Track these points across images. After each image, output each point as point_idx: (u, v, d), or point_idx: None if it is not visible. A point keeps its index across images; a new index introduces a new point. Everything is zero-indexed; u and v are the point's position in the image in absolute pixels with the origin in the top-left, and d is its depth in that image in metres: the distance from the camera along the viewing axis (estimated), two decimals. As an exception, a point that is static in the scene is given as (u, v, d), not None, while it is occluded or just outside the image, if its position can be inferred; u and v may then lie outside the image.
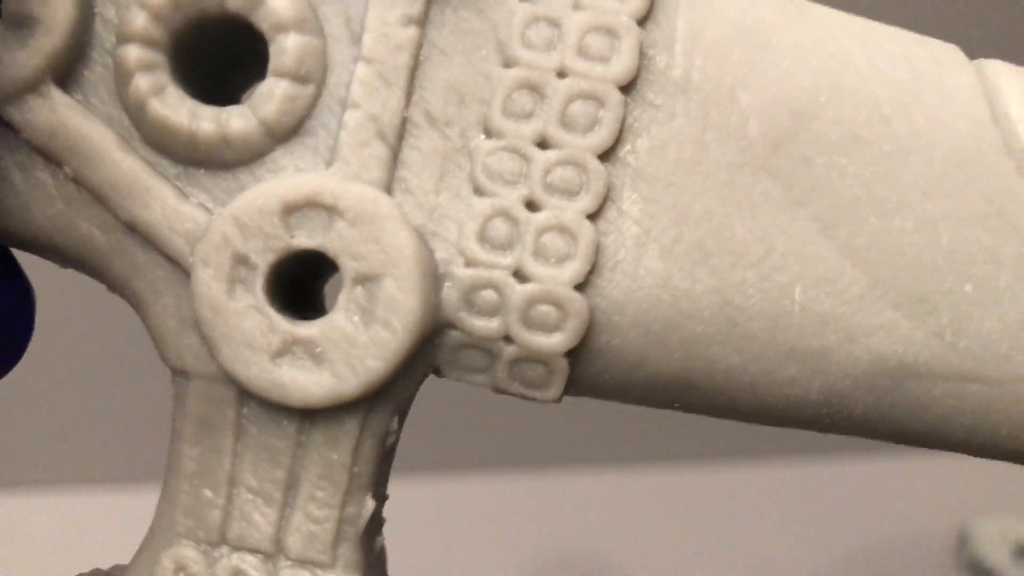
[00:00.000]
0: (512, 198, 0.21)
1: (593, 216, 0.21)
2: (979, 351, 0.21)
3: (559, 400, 0.22)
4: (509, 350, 0.21)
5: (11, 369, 0.23)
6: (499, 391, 0.22)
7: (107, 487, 0.57)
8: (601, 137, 0.21)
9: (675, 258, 0.21)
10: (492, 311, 0.21)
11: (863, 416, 0.21)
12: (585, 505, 0.60)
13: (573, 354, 0.21)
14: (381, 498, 0.22)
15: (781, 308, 0.21)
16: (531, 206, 0.21)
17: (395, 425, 0.21)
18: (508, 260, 0.20)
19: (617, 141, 0.21)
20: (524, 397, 0.22)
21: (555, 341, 0.21)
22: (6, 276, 0.22)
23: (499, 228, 0.21)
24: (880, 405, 0.21)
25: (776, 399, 0.21)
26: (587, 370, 0.21)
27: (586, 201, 0.21)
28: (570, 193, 0.21)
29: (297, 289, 0.21)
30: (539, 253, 0.20)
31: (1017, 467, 0.58)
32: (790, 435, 0.63)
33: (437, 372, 0.22)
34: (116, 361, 0.58)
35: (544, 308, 0.20)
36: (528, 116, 0.21)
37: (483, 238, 0.20)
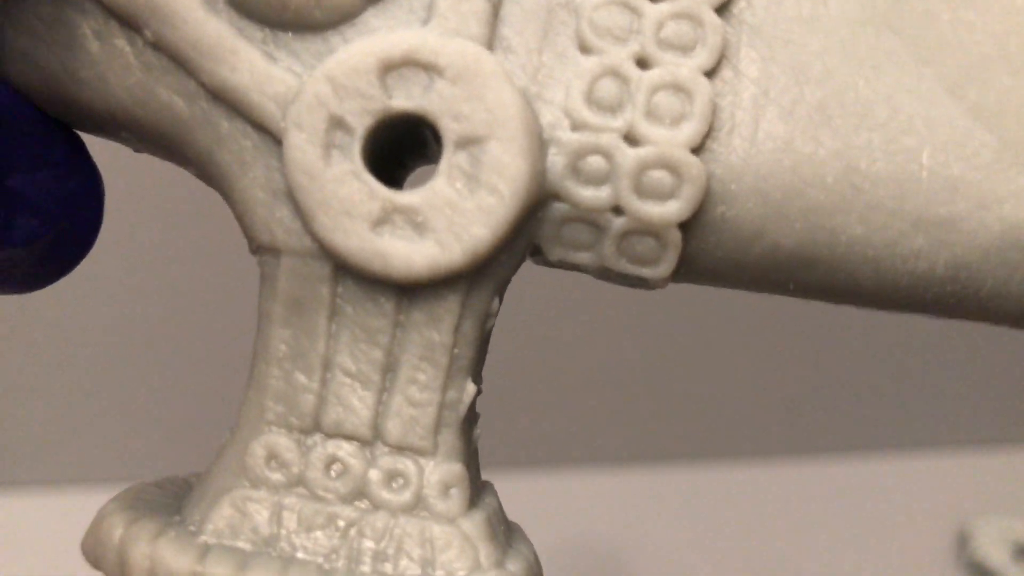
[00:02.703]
0: (622, 55, 0.19)
1: (709, 74, 0.19)
2: None
3: (668, 281, 0.20)
4: (618, 222, 0.19)
5: (79, 261, 0.22)
6: (604, 272, 0.20)
7: (107, 487, 0.56)
8: None
9: (796, 120, 0.19)
10: (601, 179, 0.19)
11: (991, 294, 0.20)
12: (589, 504, 0.60)
13: (687, 226, 0.20)
14: (479, 387, 0.21)
15: (908, 173, 0.19)
16: (642, 63, 0.19)
17: (496, 306, 0.20)
18: (618, 122, 0.19)
19: None
20: (630, 279, 0.20)
21: (670, 210, 0.19)
22: (76, 158, 0.21)
23: (608, 88, 0.19)
24: (1010, 281, 0.20)
25: (900, 275, 0.20)
26: (700, 245, 0.20)
27: (702, 57, 0.19)
28: (684, 49, 0.19)
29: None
30: (652, 113, 0.19)
31: (1017, 467, 0.57)
32: (790, 435, 0.63)
33: (537, 252, 0.20)
34: (117, 361, 0.58)
35: (658, 173, 0.19)
36: None
37: (591, 99, 0.19)
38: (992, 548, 0.57)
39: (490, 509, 0.21)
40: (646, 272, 0.20)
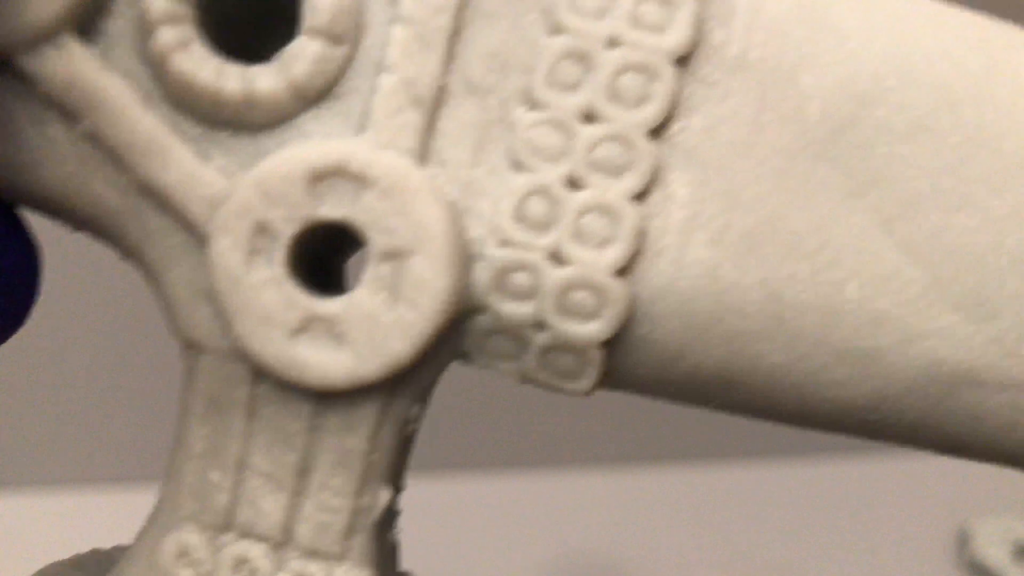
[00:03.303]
0: (552, 175, 0.19)
1: (638, 197, 0.19)
2: None
3: (590, 393, 0.20)
4: (541, 338, 0.19)
5: (11, 335, 0.21)
6: (527, 380, 0.20)
7: (107, 487, 0.57)
8: (651, 113, 0.19)
9: (723, 247, 0.19)
10: (525, 295, 0.19)
11: (913, 424, 0.20)
12: (589, 505, 0.60)
13: (609, 344, 0.20)
14: (398, 489, 0.21)
15: (833, 305, 0.19)
16: (572, 184, 0.19)
17: (416, 412, 0.20)
18: (545, 241, 0.19)
19: (668, 118, 0.19)
20: (554, 388, 0.20)
21: (591, 330, 0.19)
22: (10, 234, 0.21)
23: (537, 207, 0.19)
24: (932, 413, 0.20)
25: (822, 402, 0.20)
26: (623, 362, 0.20)
27: (631, 181, 0.19)
28: (615, 172, 0.19)
29: (318, 265, 0.20)
30: (578, 235, 0.19)
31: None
32: (790, 435, 0.63)
33: (464, 357, 0.20)
34: (117, 361, 0.58)
35: (581, 294, 0.19)
36: (574, 87, 0.19)
37: (520, 217, 0.19)
38: (992, 548, 0.57)
39: None
40: (568, 385, 0.20)
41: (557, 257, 0.19)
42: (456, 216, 0.19)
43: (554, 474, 0.60)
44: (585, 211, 0.19)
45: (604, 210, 0.19)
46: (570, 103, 0.19)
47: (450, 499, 0.57)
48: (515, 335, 0.20)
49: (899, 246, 0.19)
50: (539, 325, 0.19)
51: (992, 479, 0.61)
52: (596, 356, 0.20)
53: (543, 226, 0.19)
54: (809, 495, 0.61)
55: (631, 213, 0.19)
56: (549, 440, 0.61)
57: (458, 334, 0.20)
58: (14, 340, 0.53)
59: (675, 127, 0.19)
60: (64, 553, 0.22)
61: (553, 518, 0.58)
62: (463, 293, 0.19)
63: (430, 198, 0.19)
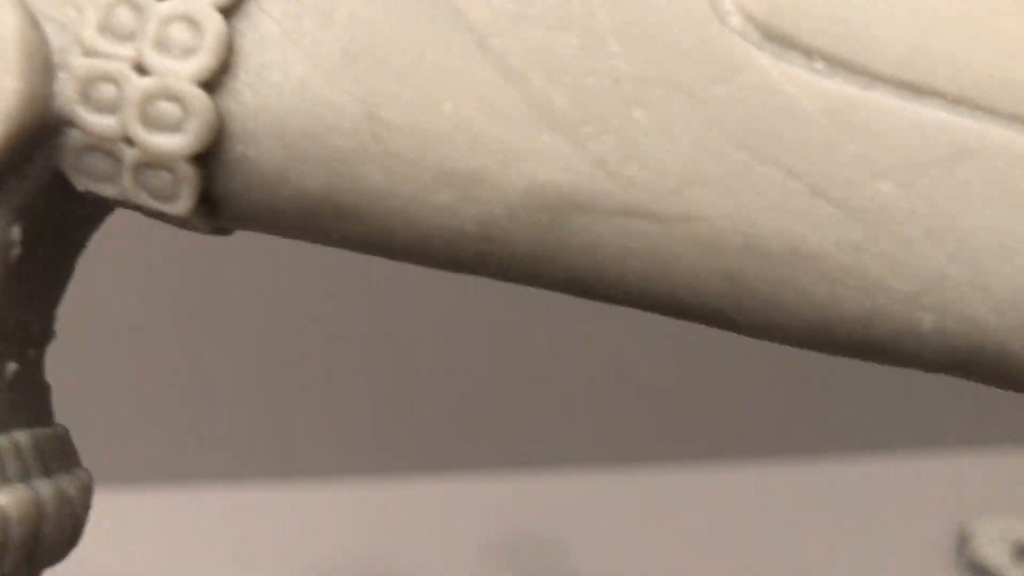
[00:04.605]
0: None
1: (228, 11, 0.19)
2: (647, 183, 0.19)
3: (191, 218, 0.20)
4: (131, 153, 0.19)
5: None
6: (129, 205, 0.20)
7: (107, 487, 0.58)
8: None
9: (317, 63, 0.19)
10: (110, 107, 0.19)
11: (528, 256, 0.20)
12: (582, 506, 0.60)
13: (205, 164, 0.19)
14: (8, 321, 0.21)
15: (430, 125, 0.19)
16: None
17: (15, 235, 0.20)
18: (129, 51, 0.19)
19: None
20: (156, 214, 0.20)
21: (176, 142, 0.19)
22: None
23: (122, 16, 0.19)
24: (544, 243, 0.19)
25: (432, 229, 0.20)
26: (228, 186, 0.20)
27: None
28: None
29: None
30: (162, 44, 0.19)
31: (1017, 467, 0.56)
32: (790, 435, 0.62)
33: (66, 181, 0.20)
34: (115, 361, 0.59)
35: (164, 105, 0.19)
36: None
37: (105, 26, 0.19)
38: (992, 548, 0.57)
39: (7, 442, 0.21)
40: (167, 208, 0.20)
41: (140, 67, 0.19)
42: (35, 24, 0.19)
43: (540, 474, 0.61)
44: (169, 20, 0.19)
45: (188, 19, 0.19)
46: None
47: (447, 499, 0.57)
48: (107, 152, 0.19)
49: (495, 65, 0.19)
50: (127, 139, 0.19)
51: (992, 479, 0.61)
52: (188, 173, 0.19)
53: (127, 36, 0.19)
54: (809, 495, 0.61)
55: (216, 23, 0.19)
56: (532, 440, 0.61)
57: (51, 150, 0.20)
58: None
59: None
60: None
61: (539, 519, 0.58)
62: (41, 102, 0.19)
63: (4, 5, 0.19)
